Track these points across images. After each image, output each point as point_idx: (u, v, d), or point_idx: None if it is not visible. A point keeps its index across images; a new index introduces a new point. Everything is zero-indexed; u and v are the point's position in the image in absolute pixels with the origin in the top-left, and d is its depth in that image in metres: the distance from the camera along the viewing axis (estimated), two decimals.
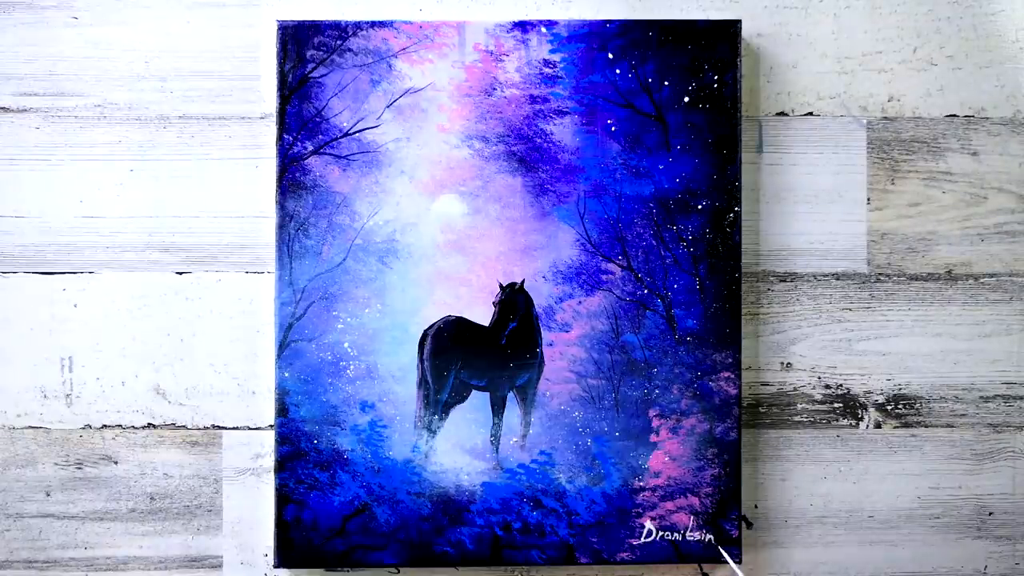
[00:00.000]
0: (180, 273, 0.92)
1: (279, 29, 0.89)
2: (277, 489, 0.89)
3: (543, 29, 0.90)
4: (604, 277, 0.90)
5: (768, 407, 0.94)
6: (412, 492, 0.89)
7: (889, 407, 0.94)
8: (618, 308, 0.90)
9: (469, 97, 0.90)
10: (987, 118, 0.93)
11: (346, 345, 0.89)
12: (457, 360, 0.90)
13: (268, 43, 0.92)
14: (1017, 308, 0.94)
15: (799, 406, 0.94)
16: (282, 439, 0.89)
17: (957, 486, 0.94)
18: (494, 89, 0.90)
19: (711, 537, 0.90)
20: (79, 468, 0.92)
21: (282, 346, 0.89)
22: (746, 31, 0.92)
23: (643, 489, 0.90)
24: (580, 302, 0.90)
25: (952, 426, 0.94)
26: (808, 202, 0.93)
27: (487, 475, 0.90)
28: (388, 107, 0.90)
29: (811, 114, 0.93)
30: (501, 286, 0.90)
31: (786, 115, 0.93)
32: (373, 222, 0.90)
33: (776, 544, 0.94)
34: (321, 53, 0.89)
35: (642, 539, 0.90)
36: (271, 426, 0.92)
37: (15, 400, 0.92)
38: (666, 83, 0.90)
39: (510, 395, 0.90)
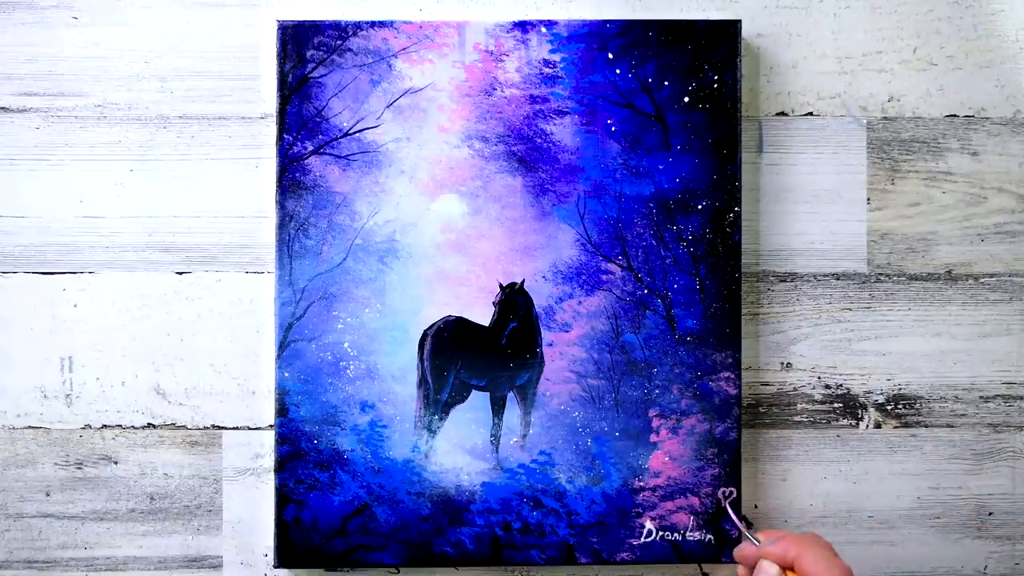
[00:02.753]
0: (180, 273, 0.92)
1: (279, 29, 0.89)
2: (277, 489, 0.89)
3: (543, 29, 0.90)
4: (604, 277, 0.90)
5: (768, 407, 0.94)
6: (412, 492, 0.89)
7: (889, 407, 0.94)
8: (618, 308, 0.90)
9: (469, 97, 0.90)
10: (987, 118, 0.93)
11: (346, 345, 0.89)
12: (457, 360, 0.90)
13: (268, 43, 0.92)
14: (1017, 308, 0.94)
15: (799, 406, 0.94)
16: (282, 439, 0.89)
17: (957, 486, 0.94)
18: (494, 89, 0.90)
19: (711, 537, 0.90)
20: (79, 468, 0.92)
21: (282, 346, 0.89)
22: (746, 31, 0.92)
23: (643, 489, 0.90)
24: (580, 302, 0.90)
25: (952, 426, 0.94)
26: (808, 202, 0.93)
27: (487, 475, 0.90)
28: (388, 107, 0.90)
29: (811, 114, 0.93)
30: (501, 286, 0.90)
31: (786, 115, 0.93)
32: (373, 222, 0.90)
33: None
34: (321, 53, 0.89)
35: (642, 539, 0.90)
36: (271, 426, 0.92)
37: (15, 400, 0.92)
38: (666, 83, 0.90)
39: (510, 395, 0.90)
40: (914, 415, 0.94)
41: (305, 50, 0.89)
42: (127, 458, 0.92)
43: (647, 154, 0.90)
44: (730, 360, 0.90)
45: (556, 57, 0.90)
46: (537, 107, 0.90)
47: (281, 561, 0.89)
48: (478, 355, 0.90)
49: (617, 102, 0.90)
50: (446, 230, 0.90)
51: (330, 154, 0.89)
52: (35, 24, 0.92)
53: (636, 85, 0.90)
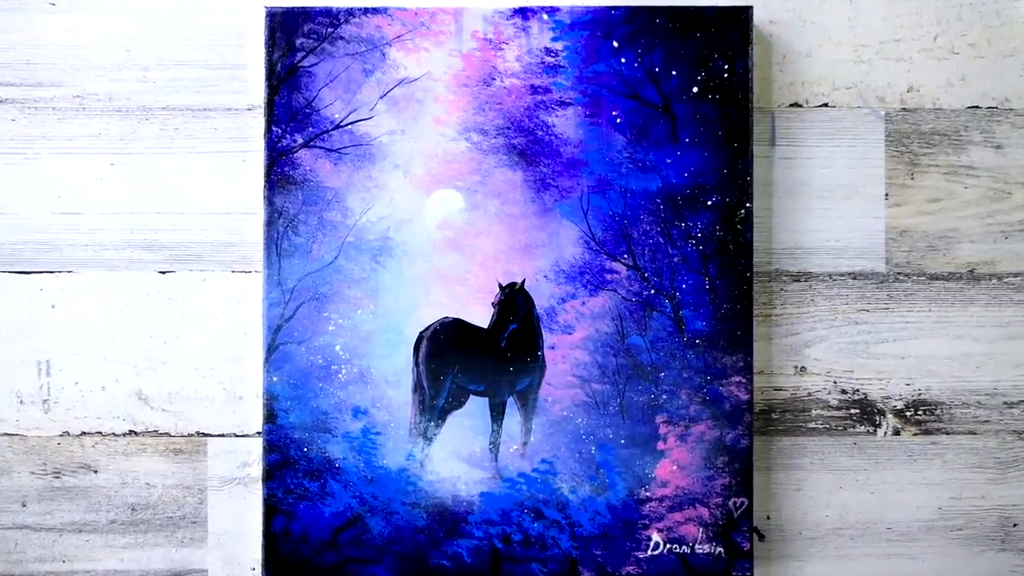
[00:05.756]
0: (163, 272, 0.90)
1: (267, 16, 0.87)
2: (265, 499, 0.86)
3: (545, 16, 0.87)
4: (609, 276, 0.87)
5: (781, 413, 0.91)
6: (407, 502, 0.87)
7: (908, 413, 0.91)
8: (623, 309, 0.87)
9: (467, 87, 0.87)
10: (1011, 109, 0.90)
11: (338, 348, 0.87)
12: (454, 364, 0.88)
13: (255, 30, 0.90)
14: None
15: (814, 412, 0.91)
16: (270, 447, 0.86)
17: (980, 496, 0.91)
18: (493, 79, 0.87)
19: (721, 550, 0.87)
20: (57, 477, 0.90)
21: (270, 349, 0.86)
22: (758, 18, 0.89)
23: (650, 499, 0.87)
24: (583, 303, 0.87)
25: (974, 433, 0.91)
26: (823, 198, 0.90)
27: (486, 484, 0.87)
28: (382, 98, 0.87)
29: (826, 105, 0.91)
30: (500, 286, 0.87)
31: (800, 106, 0.91)
32: (366, 219, 0.87)
33: (790, 557, 0.91)
34: (311, 41, 0.87)
35: (649, 552, 0.87)
36: (259, 433, 0.90)
37: None
38: (674, 73, 0.87)
39: (510, 400, 0.88)
40: (935, 421, 0.91)
41: (294, 38, 0.87)
42: (107, 467, 0.90)
43: (654, 147, 0.87)
44: (741, 364, 0.87)
45: (558, 45, 0.87)
46: (538, 98, 0.87)
47: (269, 575, 0.86)
48: (476, 358, 0.88)
49: (622, 92, 0.87)
50: (443, 227, 0.87)
51: (321, 147, 0.87)
52: (10, 11, 0.89)
53: (642, 75, 0.87)
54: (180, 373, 0.90)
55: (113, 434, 0.90)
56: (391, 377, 0.87)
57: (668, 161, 0.87)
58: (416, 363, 0.87)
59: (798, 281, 0.91)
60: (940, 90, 0.91)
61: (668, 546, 0.87)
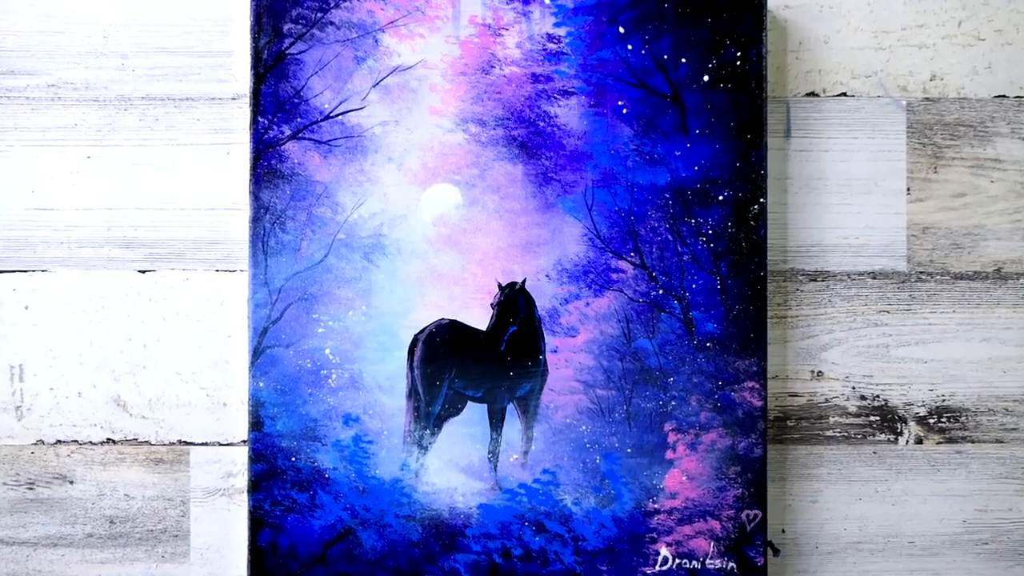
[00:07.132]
0: (143, 271, 0.88)
1: (253, 0, 0.84)
2: (251, 512, 0.84)
3: (547, 0, 0.85)
4: (614, 276, 0.85)
5: (797, 420, 0.89)
6: (401, 515, 0.85)
7: (931, 420, 0.89)
8: (630, 310, 0.85)
9: (464, 76, 0.85)
10: None
11: (327, 351, 0.85)
12: (451, 368, 0.85)
13: (241, 16, 0.88)
14: None
15: (831, 419, 0.89)
16: (256, 456, 0.84)
17: (1007, 508, 0.89)
18: (492, 67, 0.85)
19: (734, 565, 0.85)
20: (30, 488, 0.87)
21: (256, 353, 0.84)
22: (772, 2, 0.87)
23: (658, 512, 0.85)
24: (588, 303, 0.85)
25: (1002, 441, 0.89)
26: (841, 192, 0.88)
27: (484, 496, 0.85)
28: (374, 87, 0.85)
29: (845, 94, 0.88)
30: (500, 286, 0.85)
31: (817, 96, 0.88)
32: (357, 215, 0.85)
33: (806, 573, 0.89)
34: (300, 27, 0.84)
35: (657, 567, 0.85)
36: (244, 442, 0.88)
37: None
38: (683, 60, 0.85)
39: (510, 407, 0.86)
40: (959, 429, 0.89)
41: (282, 23, 0.84)
42: (84, 477, 0.88)
43: (662, 139, 0.85)
44: (755, 368, 0.85)
45: (561, 31, 0.85)
46: (540, 87, 0.85)
47: None
48: (474, 362, 0.86)
49: (629, 81, 0.85)
50: (439, 224, 0.85)
51: (310, 139, 0.85)
52: None
53: (650, 62, 0.85)
54: (161, 378, 0.88)
55: (90, 443, 0.88)
56: (384, 382, 0.85)
57: (677, 154, 0.85)
58: (411, 367, 0.85)
59: (815, 281, 0.89)
60: (965, 79, 0.88)
61: (677, 561, 0.85)
